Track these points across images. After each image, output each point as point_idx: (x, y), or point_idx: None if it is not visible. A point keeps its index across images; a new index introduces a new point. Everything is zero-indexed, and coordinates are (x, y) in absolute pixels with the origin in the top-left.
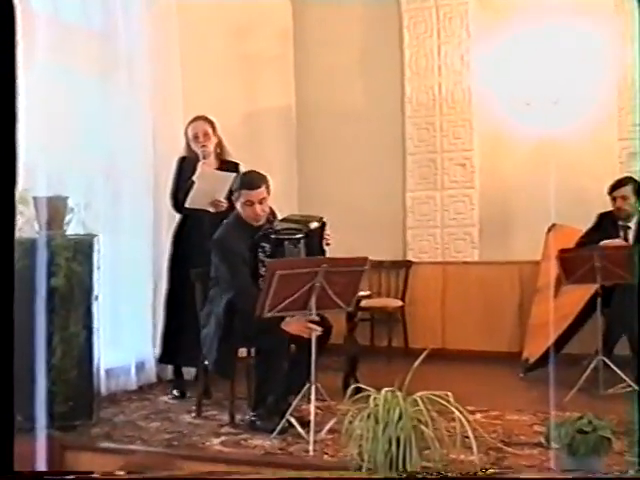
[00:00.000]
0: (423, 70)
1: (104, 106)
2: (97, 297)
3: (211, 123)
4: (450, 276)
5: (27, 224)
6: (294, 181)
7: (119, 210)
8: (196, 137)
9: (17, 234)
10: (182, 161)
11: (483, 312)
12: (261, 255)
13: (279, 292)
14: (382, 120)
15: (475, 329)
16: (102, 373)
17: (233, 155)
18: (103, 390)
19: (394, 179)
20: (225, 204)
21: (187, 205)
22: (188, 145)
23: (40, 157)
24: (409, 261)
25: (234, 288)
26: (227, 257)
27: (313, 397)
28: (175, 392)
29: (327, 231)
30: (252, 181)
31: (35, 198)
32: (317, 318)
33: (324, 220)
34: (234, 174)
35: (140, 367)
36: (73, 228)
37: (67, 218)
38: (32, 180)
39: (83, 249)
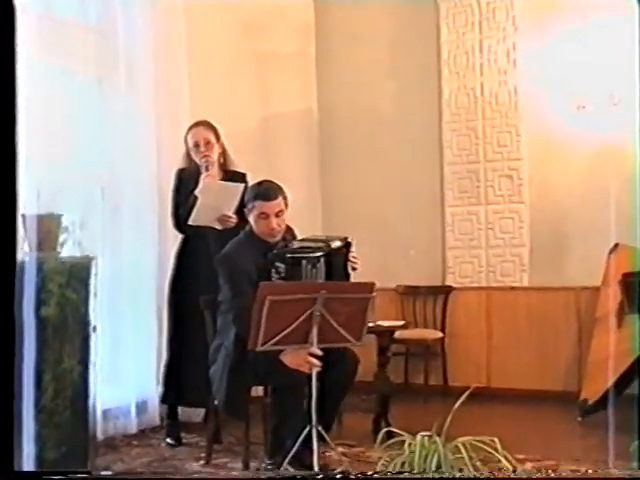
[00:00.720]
0: (463, 69)
1: (101, 111)
2: (94, 328)
3: (214, 129)
4: (496, 303)
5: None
6: (316, 196)
7: (119, 229)
8: (197, 145)
9: None
10: (181, 173)
11: (534, 345)
12: (275, 277)
13: (273, 321)
14: (416, 126)
15: (525, 365)
16: (99, 414)
17: (245, 166)
18: (99, 434)
19: (430, 193)
20: (234, 220)
21: (190, 222)
22: (188, 154)
23: (29, 169)
24: (449, 286)
25: (233, 310)
26: (231, 275)
27: (315, 443)
28: (169, 440)
29: (353, 253)
30: (267, 191)
31: (24, 216)
32: (318, 352)
33: (349, 240)
34: (242, 185)
35: (142, 408)
36: (67, 250)
37: (61, 238)
38: (21, 196)
39: (79, 273)
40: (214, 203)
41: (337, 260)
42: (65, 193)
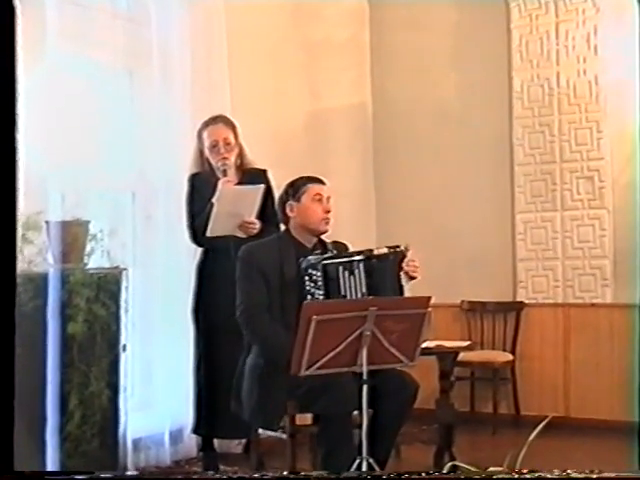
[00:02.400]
0: (536, 57)
1: (132, 107)
2: (124, 347)
3: (233, 127)
4: (574, 322)
5: (38, 255)
6: (370, 199)
7: (152, 237)
8: (215, 146)
9: (25, 267)
10: (194, 179)
11: (618, 370)
12: (310, 286)
13: (318, 343)
14: (483, 121)
15: (608, 392)
16: (129, 444)
17: (292, 167)
18: (130, 466)
19: (499, 197)
20: (257, 225)
21: (208, 234)
22: (201, 155)
23: (53, 172)
24: (520, 302)
25: (243, 314)
26: (249, 273)
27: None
28: None
29: (413, 261)
30: (315, 177)
31: (48, 223)
32: None
33: (401, 248)
34: (261, 186)
35: (176, 437)
36: (95, 260)
37: (88, 248)
38: (43, 201)
39: (108, 287)
40: (233, 210)
41: (383, 268)
42: (92, 198)
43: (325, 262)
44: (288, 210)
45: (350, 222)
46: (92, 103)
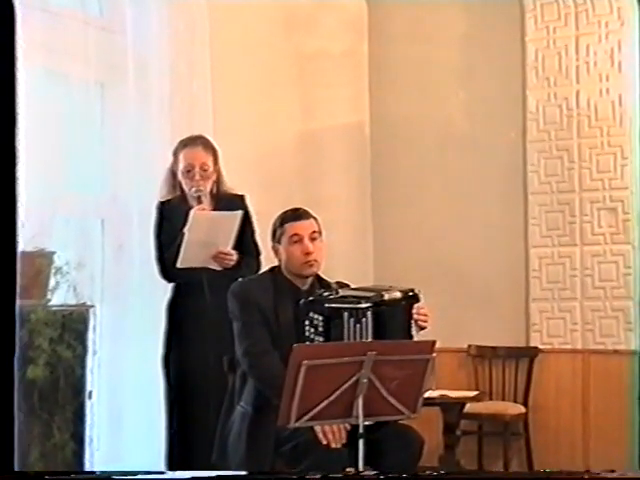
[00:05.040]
0: (554, 74)
1: (104, 124)
2: (91, 394)
3: (213, 151)
4: (594, 371)
5: None
6: (367, 232)
7: (124, 270)
8: (189, 171)
9: None
10: (163, 207)
11: None
12: (309, 331)
13: (309, 392)
14: (494, 145)
15: (632, 449)
16: None
17: (281, 195)
18: None
19: (511, 229)
20: (234, 257)
21: (179, 265)
22: (173, 177)
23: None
24: (534, 348)
25: (245, 357)
26: (246, 308)
27: None
28: None
29: (422, 308)
30: (295, 212)
31: None
32: None
33: (415, 292)
34: (239, 212)
35: None
36: (60, 296)
37: (52, 282)
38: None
39: (74, 326)
40: (206, 238)
41: (394, 316)
42: (57, 225)
43: (329, 305)
44: (274, 253)
45: (344, 255)
46: (58, 119)
